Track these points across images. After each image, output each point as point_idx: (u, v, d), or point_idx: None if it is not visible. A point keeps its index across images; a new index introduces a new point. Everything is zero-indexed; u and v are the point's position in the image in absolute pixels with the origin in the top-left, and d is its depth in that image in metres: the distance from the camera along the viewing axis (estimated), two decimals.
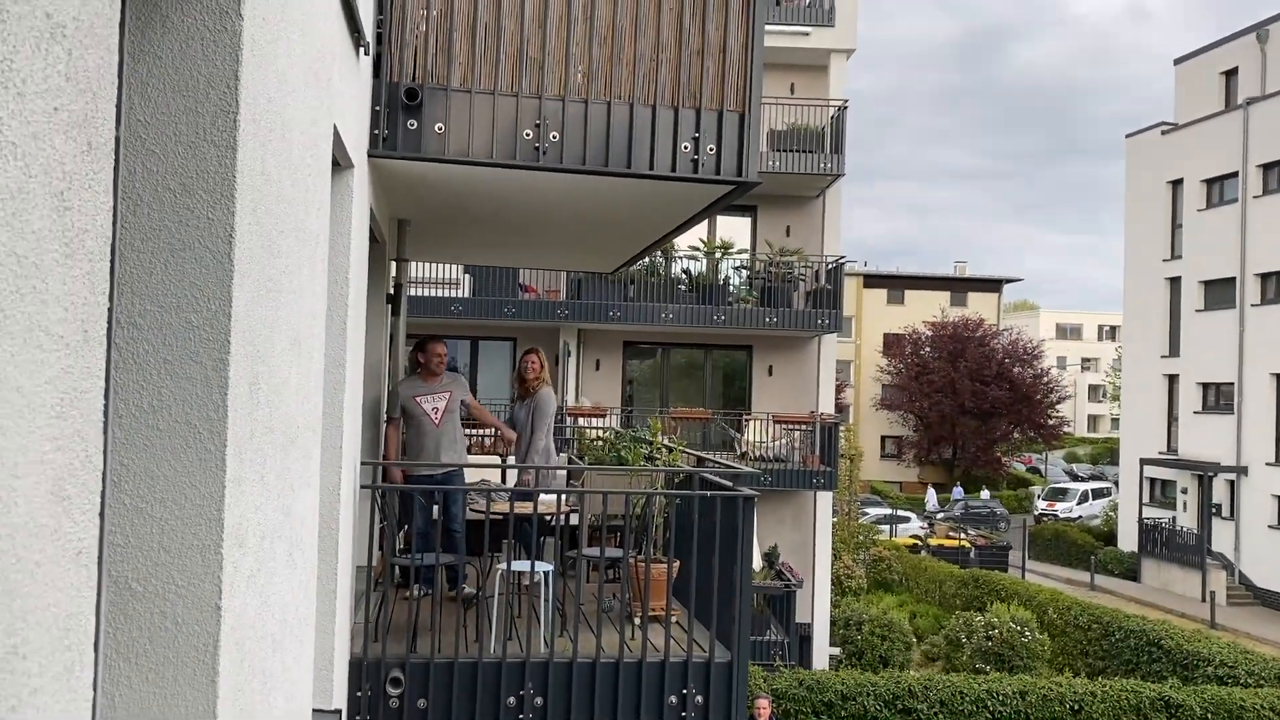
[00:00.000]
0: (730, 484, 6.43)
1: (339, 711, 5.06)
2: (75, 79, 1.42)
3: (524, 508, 6.78)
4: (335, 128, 4.35)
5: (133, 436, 2.38)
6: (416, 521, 6.69)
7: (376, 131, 5.75)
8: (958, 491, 46.69)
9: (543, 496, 6.70)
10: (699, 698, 5.92)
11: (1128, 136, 37.09)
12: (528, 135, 5.85)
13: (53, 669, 1.40)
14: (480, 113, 5.83)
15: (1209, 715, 13.87)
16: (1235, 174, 31.84)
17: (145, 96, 2.40)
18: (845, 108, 19.41)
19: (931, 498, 46.41)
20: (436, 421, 7.26)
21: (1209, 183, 33.08)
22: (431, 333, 7.67)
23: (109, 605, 2.35)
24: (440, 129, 5.81)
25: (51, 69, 1.34)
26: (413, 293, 17.39)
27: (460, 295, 18.45)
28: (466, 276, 18.69)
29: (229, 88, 2.44)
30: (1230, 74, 33.89)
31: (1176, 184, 34.49)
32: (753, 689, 9.45)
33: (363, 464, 6.14)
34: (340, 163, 4.94)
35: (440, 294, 18.16)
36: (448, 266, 17.99)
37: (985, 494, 47.23)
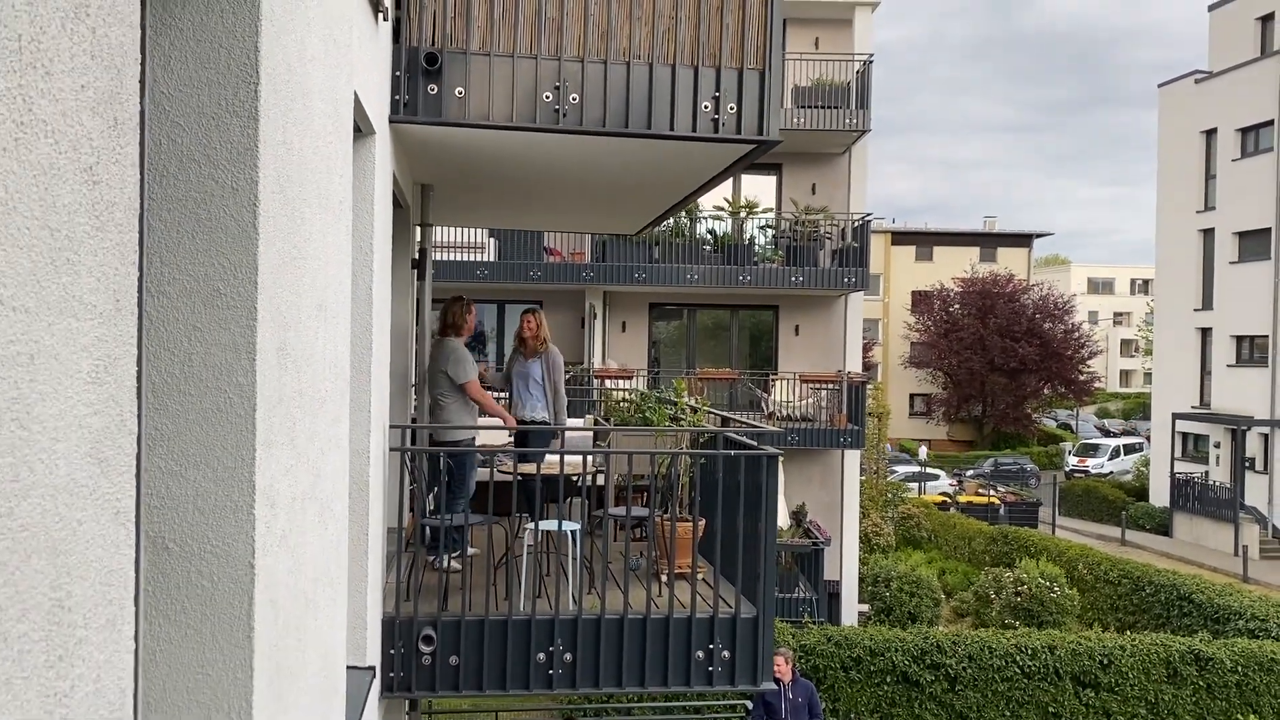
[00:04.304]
0: (754, 443, 6.48)
1: (373, 668, 5.19)
2: (100, 56, 1.46)
3: (537, 468, 6.88)
4: (356, 94, 4.38)
5: (165, 402, 2.46)
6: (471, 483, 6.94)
7: (397, 97, 5.78)
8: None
9: (568, 457, 6.78)
10: (725, 652, 6.01)
11: (1160, 86, 36.39)
12: (547, 98, 5.86)
13: (97, 621, 1.47)
14: (500, 76, 5.84)
15: (1239, 668, 13.86)
16: (1271, 122, 31.20)
17: (168, 70, 2.45)
18: (870, 62, 19.18)
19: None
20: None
21: (1244, 131, 32.45)
22: (457, 295, 7.78)
23: (147, 564, 2.44)
24: (460, 93, 5.83)
25: (78, 47, 1.39)
26: (439, 257, 17.48)
27: (485, 259, 18.52)
28: (491, 240, 18.75)
29: (249, 58, 2.48)
30: (1266, 19, 33.08)
31: (1210, 133, 33.86)
32: (775, 645, 9.56)
33: (392, 427, 6.24)
34: (362, 129, 4.98)
35: (466, 258, 18.24)
36: (473, 230, 18.05)
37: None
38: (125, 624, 1.59)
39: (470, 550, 6.45)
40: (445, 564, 6.30)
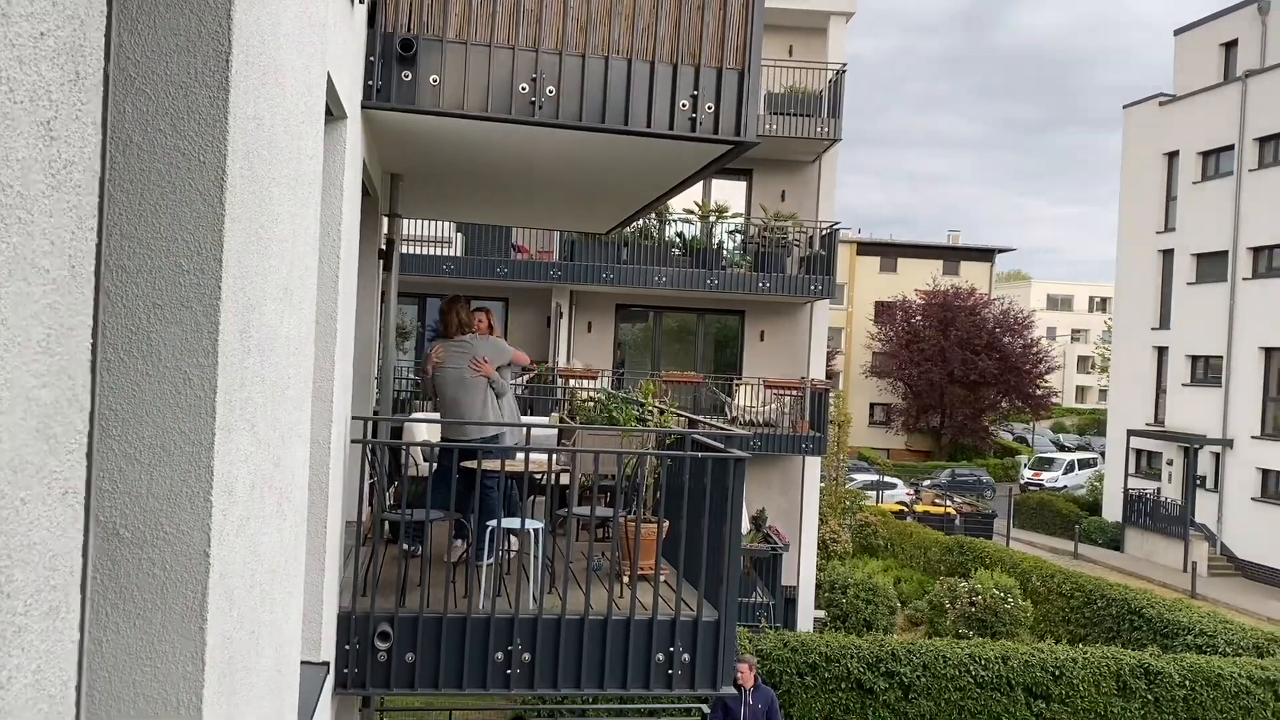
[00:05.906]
0: (722, 446, 6.43)
1: (327, 664, 5.07)
2: (62, 5, 1.37)
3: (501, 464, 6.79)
4: (329, 76, 4.28)
5: (122, 381, 2.35)
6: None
7: (370, 82, 5.66)
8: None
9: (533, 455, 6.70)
10: (685, 656, 5.95)
11: (1125, 107, 36.93)
12: (523, 89, 5.77)
13: (38, 608, 1.38)
14: (476, 65, 5.74)
15: (1187, 682, 14.04)
16: (1231, 147, 31.76)
17: (135, 33, 2.34)
18: (843, 71, 19.24)
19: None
20: None
21: (1205, 155, 33.01)
22: (426, 291, 7.76)
23: (96, 550, 2.33)
24: (435, 81, 5.72)
25: None
26: (405, 250, 17.29)
27: (452, 254, 18.34)
28: (459, 235, 18.58)
29: (221, 26, 2.38)
30: (1230, 46, 33.69)
31: (1172, 156, 34.41)
32: (738, 651, 9.53)
33: (354, 418, 6.11)
34: (334, 113, 4.87)
35: (432, 252, 18.04)
36: (440, 225, 17.87)
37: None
38: (69, 612, 1.50)
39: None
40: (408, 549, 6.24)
